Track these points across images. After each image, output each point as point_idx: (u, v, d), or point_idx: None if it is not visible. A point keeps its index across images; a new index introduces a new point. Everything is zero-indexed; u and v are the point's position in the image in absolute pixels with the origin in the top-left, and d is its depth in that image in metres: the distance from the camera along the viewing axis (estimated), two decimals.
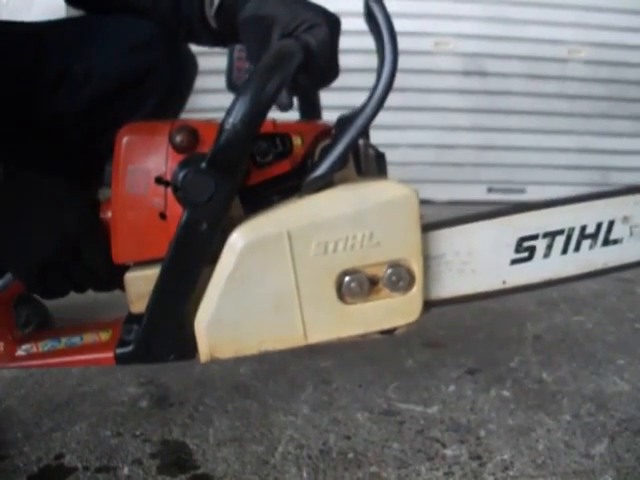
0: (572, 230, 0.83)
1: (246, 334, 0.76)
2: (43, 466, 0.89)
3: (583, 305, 1.66)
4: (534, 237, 0.82)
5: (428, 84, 3.44)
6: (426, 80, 3.42)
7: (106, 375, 1.20)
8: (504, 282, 0.82)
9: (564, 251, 0.83)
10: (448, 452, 0.93)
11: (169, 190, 0.74)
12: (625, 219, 0.84)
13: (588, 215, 0.83)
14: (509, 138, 3.64)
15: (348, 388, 1.15)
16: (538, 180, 3.73)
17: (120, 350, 0.79)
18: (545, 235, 0.82)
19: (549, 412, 1.05)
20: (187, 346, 0.77)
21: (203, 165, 0.69)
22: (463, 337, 1.42)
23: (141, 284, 0.77)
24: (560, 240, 0.83)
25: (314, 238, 0.73)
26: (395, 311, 0.77)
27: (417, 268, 0.76)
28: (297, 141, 0.78)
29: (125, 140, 0.76)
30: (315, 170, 0.73)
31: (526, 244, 0.82)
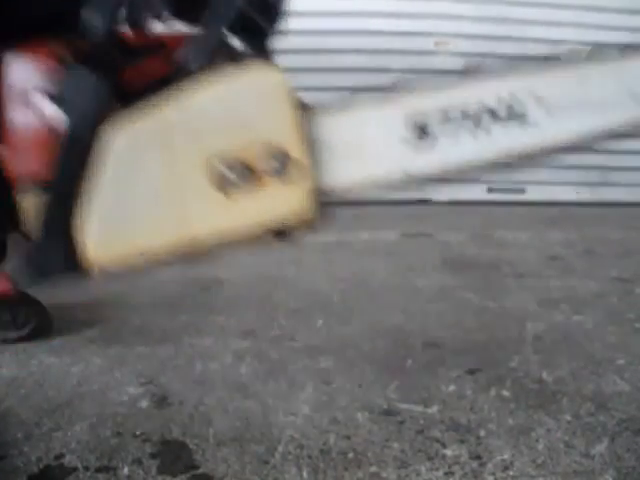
0: (475, 108, 0.74)
1: (132, 235, 0.76)
2: (43, 466, 0.89)
3: (583, 305, 1.66)
4: (430, 118, 0.74)
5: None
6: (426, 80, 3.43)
7: (106, 375, 1.20)
8: (401, 169, 0.76)
9: (468, 132, 0.75)
10: (448, 452, 0.93)
11: (50, 102, 0.77)
12: (531, 94, 0.74)
13: (490, 91, 0.74)
14: None
15: (348, 388, 1.15)
16: (538, 180, 3.72)
17: (11, 269, 0.81)
18: (443, 115, 0.74)
19: (549, 412, 1.05)
20: (76, 259, 0.77)
21: (78, 71, 0.74)
22: (463, 337, 1.42)
23: (32, 202, 0.78)
24: (462, 120, 0.74)
25: (188, 127, 0.74)
26: (280, 201, 0.75)
27: (299, 155, 0.74)
28: (169, 42, 0.82)
29: (6, 60, 0.79)
30: (185, 64, 0.76)
31: (420, 123, 0.75)
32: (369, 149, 0.77)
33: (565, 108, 0.75)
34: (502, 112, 0.75)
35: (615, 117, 0.77)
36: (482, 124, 0.75)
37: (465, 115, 0.75)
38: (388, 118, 0.76)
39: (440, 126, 0.75)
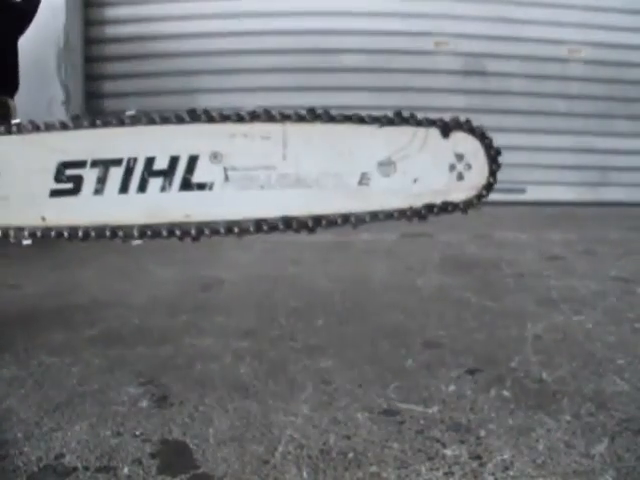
0: (134, 162, 0.65)
1: None
2: (43, 466, 0.89)
3: (583, 305, 1.66)
4: (80, 164, 0.66)
5: (428, 84, 3.44)
6: (426, 80, 3.42)
7: (106, 375, 1.20)
8: (43, 218, 0.70)
9: (123, 189, 0.67)
10: (448, 452, 0.93)
11: None
12: (215, 156, 0.67)
13: (158, 143, 0.64)
14: (509, 138, 3.64)
15: (348, 388, 1.15)
16: (538, 180, 3.72)
17: None
18: (95, 164, 0.66)
19: (549, 412, 1.05)
20: None
21: None
22: (463, 337, 1.42)
23: None
24: (117, 173, 0.66)
25: None
26: None
27: None
28: None
29: None
30: None
31: (70, 173, 0.67)
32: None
33: None
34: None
35: None
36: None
37: (124, 168, 0.68)
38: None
39: (93, 176, 0.69)
